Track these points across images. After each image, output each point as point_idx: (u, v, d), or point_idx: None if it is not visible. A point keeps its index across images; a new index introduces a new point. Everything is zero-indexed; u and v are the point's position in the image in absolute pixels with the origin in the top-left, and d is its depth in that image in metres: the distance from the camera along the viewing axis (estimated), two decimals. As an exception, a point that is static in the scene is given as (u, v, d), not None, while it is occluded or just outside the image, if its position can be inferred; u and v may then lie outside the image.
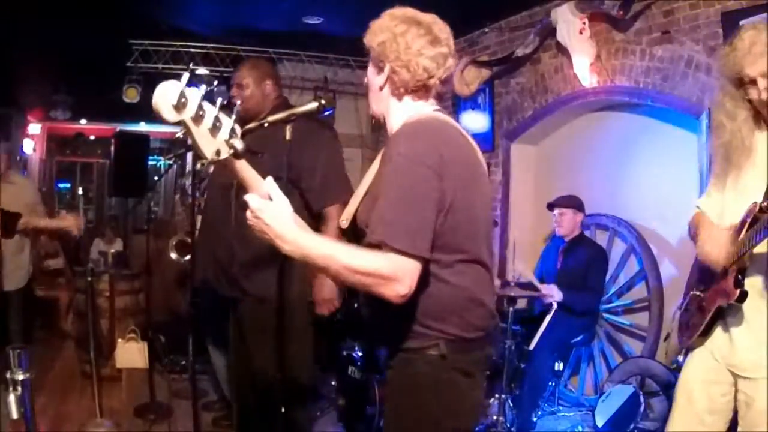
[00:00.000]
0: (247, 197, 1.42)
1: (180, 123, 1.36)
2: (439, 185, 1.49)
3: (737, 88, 1.81)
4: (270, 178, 1.48)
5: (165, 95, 1.33)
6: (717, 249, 1.84)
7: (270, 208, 1.41)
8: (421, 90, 1.65)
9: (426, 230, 1.46)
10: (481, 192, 1.66)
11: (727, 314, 1.84)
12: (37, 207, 4.12)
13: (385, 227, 1.44)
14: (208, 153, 1.42)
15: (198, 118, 1.38)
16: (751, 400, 1.79)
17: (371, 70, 1.70)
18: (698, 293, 2.00)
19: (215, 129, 1.41)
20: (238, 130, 1.46)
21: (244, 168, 1.62)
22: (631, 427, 3.46)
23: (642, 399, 3.48)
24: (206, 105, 1.40)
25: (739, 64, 1.76)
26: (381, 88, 1.67)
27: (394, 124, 1.68)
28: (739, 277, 1.75)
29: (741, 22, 1.85)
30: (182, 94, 1.33)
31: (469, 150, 1.65)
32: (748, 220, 1.76)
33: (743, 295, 1.74)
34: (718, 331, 1.89)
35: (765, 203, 1.72)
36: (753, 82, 1.75)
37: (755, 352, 1.78)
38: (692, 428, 1.92)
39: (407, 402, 1.62)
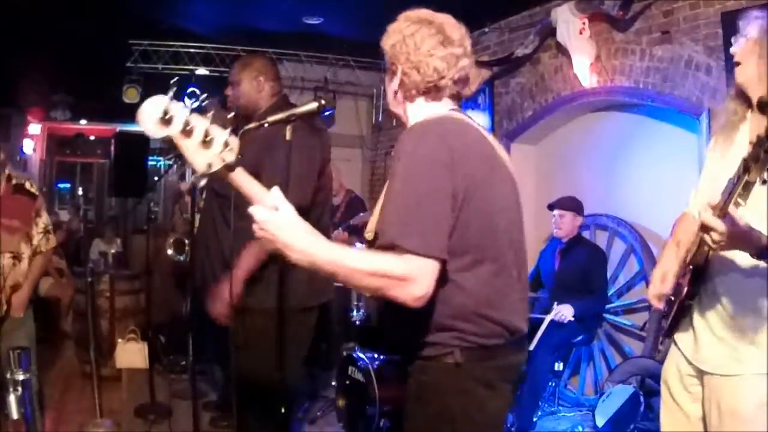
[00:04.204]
0: (251, 209, 1.36)
1: (167, 138, 1.38)
2: (450, 180, 1.43)
3: None
4: (276, 189, 1.41)
5: (149, 111, 1.35)
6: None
7: (275, 218, 1.35)
8: (432, 91, 1.59)
9: (439, 228, 1.40)
10: (502, 192, 1.60)
11: (691, 311, 1.88)
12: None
13: (395, 228, 1.39)
14: (200, 166, 1.46)
15: (187, 133, 1.40)
16: (714, 397, 1.81)
17: (388, 74, 1.66)
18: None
19: (207, 143, 1.43)
20: (234, 142, 1.46)
21: (243, 180, 1.61)
22: (631, 427, 3.46)
23: (642, 399, 3.48)
24: (195, 118, 1.41)
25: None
26: (395, 93, 1.63)
27: None
28: (694, 276, 1.79)
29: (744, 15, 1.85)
30: (167, 110, 1.34)
31: (487, 148, 1.60)
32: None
33: (692, 294, 1.80)
34: (683, 327, 1.92)
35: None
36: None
37: (715, 349, 1.80)
38: (680, 421, 1.94)
39: (420, 411, 1.57)
